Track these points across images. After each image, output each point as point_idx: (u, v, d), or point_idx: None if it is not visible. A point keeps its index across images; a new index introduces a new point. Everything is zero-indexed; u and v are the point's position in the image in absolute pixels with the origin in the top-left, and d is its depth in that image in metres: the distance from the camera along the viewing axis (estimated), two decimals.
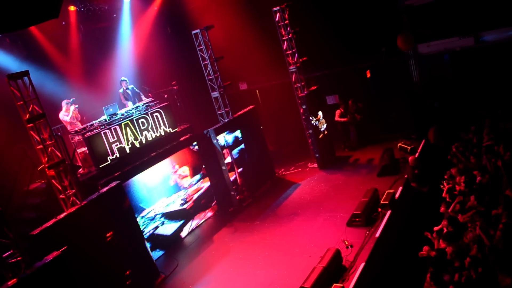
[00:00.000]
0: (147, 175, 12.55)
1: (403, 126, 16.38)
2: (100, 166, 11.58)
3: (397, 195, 11.73)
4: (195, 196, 13.99)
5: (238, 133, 14.79)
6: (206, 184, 14.37)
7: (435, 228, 9.72)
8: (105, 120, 12.23)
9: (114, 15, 16.21)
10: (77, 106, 12.42)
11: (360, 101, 16.84)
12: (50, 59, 14.23)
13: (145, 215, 12.39)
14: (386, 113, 17.07)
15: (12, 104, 9.22)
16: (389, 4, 15.83)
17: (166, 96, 14.95)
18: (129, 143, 12.32)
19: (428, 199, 11.63)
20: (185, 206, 13.61)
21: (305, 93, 15.48)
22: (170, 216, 13.16)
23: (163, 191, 13.04)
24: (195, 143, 13.98)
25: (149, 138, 12.85)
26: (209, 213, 14.36)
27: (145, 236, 12.04)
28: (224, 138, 14.16)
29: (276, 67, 17.06)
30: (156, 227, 12.69)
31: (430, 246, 9.16)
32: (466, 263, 7.79)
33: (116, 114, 12.48)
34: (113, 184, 10.72)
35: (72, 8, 14.43)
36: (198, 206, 14.05)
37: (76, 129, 11.99)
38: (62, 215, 9.38)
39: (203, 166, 14.26)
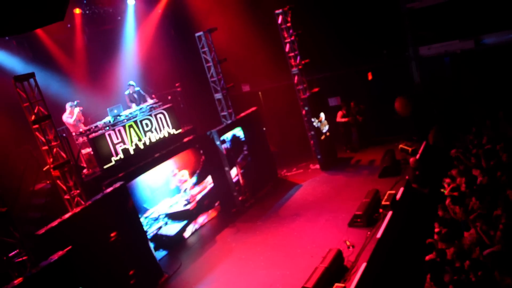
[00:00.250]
0: (151, 176, 12.62)
1: (404, 127, 16.42)
2: (104, 167, 11.69)
3: (398, 196, 11.73)
4: (198, 196, 14.05)
5: (239, 131, 14.87)
6: (209, 185, 14.45)
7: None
8: (110, 121, 12.33)
9: (119, 18, 16.34)
10: (81, 108, 12.53)
11: (362, 103, 16.90)
12: (55, 61, 14.36)
13: (149, 216, 12.47)
14: (387, 115, 17.11)
15: (18, 105, 9.34)
16: (390, 7, 15.90)
17: (169, 97, 15.08)
18: (133, 144, 12.43)
19: (429, 200, 11.66)
20: (188, 206, 13.68)
21: (307, 95, 15.56)
22: (173, 216, 13.22)
23: (166, 191, 13.11)
24: None
25: (153, 139, 12.95)
26: (212, 214, 14.44)
27: (149, 236, 12.11)
28: (227, 138, 14.26)
29: (278, 69, 17.14)
30: (160, 227, 12.76)
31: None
32: (466, 266, 7.84)
33: (120, 116, 12.59)
34: (117, 184, 10.82)
35: (77, 10, 14.56)
36: (201, 206, 14.11)
37: (81, 130, 12.10)
38: (67, 215, 9.49)
39: (199, 170, 14.29)
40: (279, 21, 15.13)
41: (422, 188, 12.46)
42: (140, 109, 13.18)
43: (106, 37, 16.20)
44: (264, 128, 16.37)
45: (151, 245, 11.86)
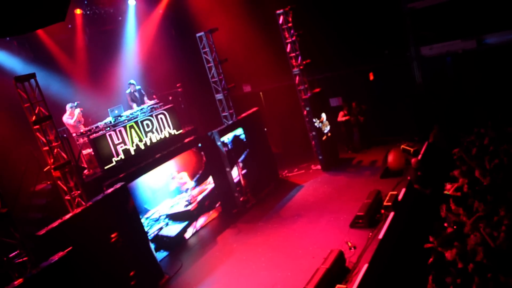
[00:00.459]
0: (152, 177, 12.61)
1: (406, 128, 16.39)
2: (105, 168, 11.68)
3: (400, 197, 11.72)
4: (199, 197, 14.04)
5: (240, 132, 14.86)
6: (210, 185, 14.43)
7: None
8: (110, 121, 12.33)
9: (120, 18, 16.34)
10: (81, 109, 12.50)
11: (363, 103, 16.87)
12: (56, 62, 14.35)
13: (150, 216, 12.46)
14: (389, 115, 17.09)
15: (19, 106, 9.33)
16: (392, 6, 15.87)
17: (170, 98, 15.05)
18: (134, 145, 12.41)
19: (431, 201, 11.63)
20: (189, 207, 13.67)
21: (308, 95, 15.54)
22: (174, 217, 13.21)
23: (167, 192, 13.10)
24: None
25: (154, 140, 12.93)
26: (213, 215, 14.42)
27: (150, 237, 12.10)
28: (228, 139, 14.25)
29: (279, 70, 17.12)
30: (161, 228, 12.75)
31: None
32: (470, 269, 7.80)
33: (121, 116, 12.58)
34: (118, 185, 10.81)
35: (78, 11, 14.57)
36: (202, 207, 14.10)
37: (81, 130, 12.08)
38: (68, 216, 9.47)
39: (200, 171, 14.27)
40: (280, 21, 15.11)
41: (424, 189, 12.43)
42: (141, 109, 13.18)
43: (107, 38, 16.20)
44: (265, 129, 16.35)
45: (152, 246, 11.84)
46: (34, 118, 9.26)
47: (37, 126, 9.35)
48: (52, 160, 9.53)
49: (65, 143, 10.21)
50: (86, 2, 14.82)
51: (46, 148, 9.48)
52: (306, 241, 11.64)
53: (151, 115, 13.00)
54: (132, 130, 12.41)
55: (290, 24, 15.12)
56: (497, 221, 8.74)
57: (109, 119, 12.38)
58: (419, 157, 13.43)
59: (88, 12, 15.02)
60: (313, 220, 12.65)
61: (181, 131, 13.83)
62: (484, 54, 14.96)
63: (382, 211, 11.59)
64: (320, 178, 15.52)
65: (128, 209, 10.96)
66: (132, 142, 12.37)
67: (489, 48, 14.83)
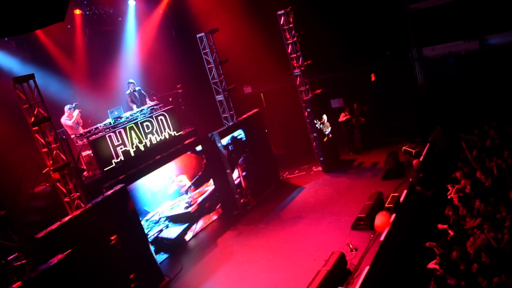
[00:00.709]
0: (152, 178, 12.55)
1: (407, 129, 16.32)
2: (105, 169, 11.61)
3: (401, 199, 11.68)
4: (200, 199, 13.98)
5: (241, 133, 14.81)
6: (210, 187, 14.36)
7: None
8: (110, 123, 12.27)
9: (119, 19, 16.31)
10: (80, 110, 12.43)
11: (365, 104, 16.82)
12: (55, 62, 14.30)
13: (150, 218, 12.39)
14: (390, 117, 17.03)
15: (17, 107, 9.26)
16: (394, 7, 15.82)
17: (170, 99, 15.00)
18: (134, 146, 12.35)
19: (433, 203, 11.56)
20: (189, 209, 13.61)
21: (309, 96, 15.48)
22: (174, 219, 13.15)
23: (167, 194, 13.04)
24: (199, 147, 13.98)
25: (154, 141, 12.87)
26: (213, 216, 14.36)
27: (150, 239, 12.03)
28: (228, 141, 14.18)
29: (280, 71, 17.08)
30: (161, 230, 12.69)
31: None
32: (474, 269, 7.75)
33: (121, 117, 12.52)
34: (118, 187, 10.73)
35: (77, 11, 14.52)
36: (203, 209, 14.04)
37: (81, 132, 12.02)
38: (67, 218, 9.39)
39: (200, 172, 14.19)
40: (281, 22, 15.06)
41: (426, 191, 12.35)
42: (141, 110, 13.11)
43: (106, 38, 16.18)
44: (266, 130, 16.28)
45: (152, 248, 11.76)
46: (33, 119, 9.19)
47: (36, 128, 9.28)
48: (51, 162, 9.46)
49: (64, 145, 10.17)
50: (85, 2, 14.77)
51: (45, 149, 9.40)
52: (307, 243, 11.57)
53: (151, 116, 12.94)
54: (132, 131, 12.34)
55: (291, 25, 15.08)
56: (500, 222, 8.68)
57: (109, 120, 12.32)
58: (421, 158, 13.37)
59: (87, 13, 14.98)
60: (314, 222, 12.58)
61: (181, 132, 13.78)
62: (487, 55, 14.90)
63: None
64: (321, 180, 15.45)
65: (128, 211, 10.88)
66: (132, 144, 12.31)
67: (492, 49, 14.76)
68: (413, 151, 14.53)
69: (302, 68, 15.48)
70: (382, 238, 10.30)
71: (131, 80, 13.74)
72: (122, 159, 12.00)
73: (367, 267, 9.33)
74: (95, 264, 9.61)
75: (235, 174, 14.36)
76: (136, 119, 12.68)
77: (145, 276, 10.91)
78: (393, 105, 16.94)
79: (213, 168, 14.35)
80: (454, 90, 16.06)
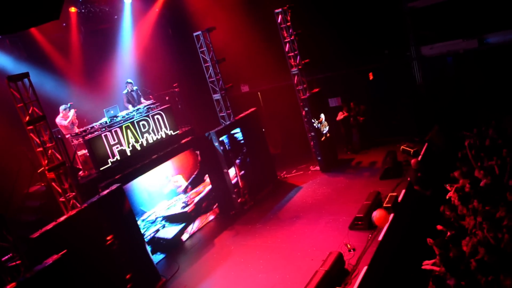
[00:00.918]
0: (148, 178, 12.47)
1: (406, 128, 16.30)
2: (101, 169, 11.53)
3: (400, 198, 11.69)
4: (196, 199, 13.91)
5: (238, 132, 14.75)
6: (207, 187, 14.29)
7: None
8: (106, 122, 12.21)
9: (115, 17, 16.24)
10: (75, 110, 12.34)
11: (363, 103, 16.77)
12: (50, 61, 14.23)
13: (146, 218, 12.33)
14: (389, 116, 17.01)
15: (12, 106, 9.17)
16: (392, 6, 15.81)
17: (167, 98, 14.94)
18: (130, 146, 12.26)
19: (431, 202, 11.54)
20: (186, 209, 13.54)
21: (307, 95, 15.41)
22: (171, 219, 13.09)
23: (164, 194, 12.96)
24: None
25: (150, 141, 12.79)
26: (210, 216, 14.29)
27: (146, 239, 11.95)
28: (225, 140, 14.12)
29: (278, 70, 17.03)
30: (157, 230, 12.62)
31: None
32: (472, 266, 7.73)
33: (117, 116, 12.45)
34: (114, 187, 10.65)
35: (73, 9, 14.44)
36: (199, 209, 13.98)
37: (76, 131, 11.93)
38: (62, 218, 9.30)
39: (197, 172, 14.11)
40: (279, 20, 15.00)
41: (424, 190, 12.35)
42: (137, 109, 13.04)
43: (102, 37, 16.11)
44: (264, 129, 16.21)
45: (148, 248, 11.69)
46: (27, 118, 9.13)
47: (30, 127, 9.22)
48: (46, 161, 9.40)
49: (60, 144, 10.10)
50: (81, 0, 14.66)
51: (40, 149, 9.35)
52: (304, 243, 11.52)
53: (148, 116, 12.86)
54: (128, 130, 12.26)
55: (288, 23, 15.01)
56: (498, 221, 8.66)
57: (105, 119, 12.26)
58: (419, 158, 13.36)
59: (83, 11, 14.91)
60: (312, 222, 12.53)
61: (178, 131, 13.70)
62: (486, 53, 14.93)
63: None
64: (319, 179, 15.40)
65: (124, 211, 10.80)
66: (128, 143, 12.22)
67: (490, 47, 14.78)
68: (411, 150, 14.52)
69: (300, 67, 15.42)
70: (380, 238, 10.30)
71: (129, 80, 13.67)
72: (118, 158, 11.91)
73: (365, 267, 9.39)
74: (91, 264, 9.53)
75: (232, 173, 14.29)
76: (132, 118, 12.60)
77: (141, 277, 10.84)
78: (391, 104, 16.93)
79: (210, 167, 14.28)
80: (452, 89, 16.06)
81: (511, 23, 14.04)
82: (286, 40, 15.19)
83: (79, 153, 11.87)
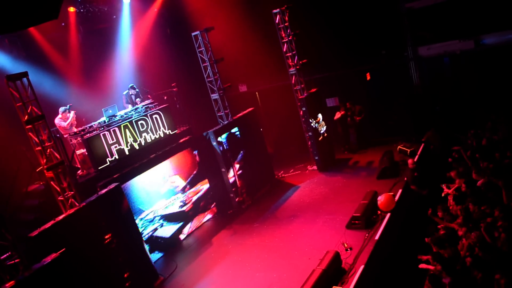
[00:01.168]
0: (146, 177, 12.50)
1: (403, 128, 16.34)
2: (99, 168, 11.55)
3: (396, 198, 11.69)
4: (194, 198, 13.94)
5: (236, 132, 14.78)
6: (205, 186, 14.32)
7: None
8: (104, 121, 12.21)
9: (114, 17, 16.22)
10: (75, 112, 12.36)
11: (360, 103, 16.79)
12: (49, 60, 14.20)
13: (144, 217, 12.35)
14: (386, 116, 17.05)
15: (10, 105, 9.18)
16: (389, 6, 15.83)
17: (165, 97, 14.93)
18: (128, 145, 12.29)
19: (428, 202, 11.58)
20: (184, 208, 13.57)
21: (305, 95, 15.45)
22: (169, 218, 13.11)
23: (162, 193, 12.99)
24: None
25: (148, 140, 12.82)
26: (208, 215, 14.32)
27: (144, 238, 12.00)
28: (223, 139, 14.16)
29: (276, 69, 17.06)
30: (155, 229, 12.65)
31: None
32: (468, 263, 7.78)
33: (115, 116, 12.47)
34: (112, 186, 10.68)
35: (71, 9, 14.43)
36: (197, 208, 14.01)
37: (75, 130, 11.95)
38: (61, 217, 9.33)
39: (195, 171, 14.14)
40: (277, 20, 15.03)
41: (421, 190, 12.39)
42: (136, 109, 13.06)
43: (101, 36, 16.07)
44: (261, 129, 16.24)
45: (147, 247, 11.74)
46: (26, 117, 9.12)
47: (29, 126, 9.21)
48: (45, 160, 9.40)
49: (58, 143, 10.10)
50: (79, 0, 14.66)
51: (39, 148, 9.34)
52: (302, 242, 11.56)
53: (146, 115, 12.88)
54: (127, 130, 12.28)
55: (286, 24, 15.05)
56: (494, 222, 8.71)
57: (103, 119, 12.26)
58: (416, 158, 13.40)
59: (81, 10, 14.89)
60: (309, 221, 12.57)
61: (176, 131, 13.72)
62: (482, 54, 14.96)
63: (379, 212, 11.56)
64: (316, 179, 15.44)
65: (122, 210, 10.84)
66: (127, 142, 12.25)
67: (487, 48, 14.82)
68: (408, 150, 14.55)
69: (298, 67, 15.45)
70: (377, 237, 10.33)
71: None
72: (117, 157, 11.94)
73: (362, 266, 9.40)
74: (89, 263, 9.56)
75: (230, 173, 14.32)
76: (131, 117, 12.62)
77: (139, 275, 10.87)
78: (388, 104, 16.96)
79: (208, 167, 14.30)
80: (449, 89, 16.10)
81: (507, 24, 14.09)
82: (284, 40, 15.22)
83: (78, 152, 11.87)
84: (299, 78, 15.56)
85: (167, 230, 12.99)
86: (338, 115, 16.78)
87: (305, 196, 14.30)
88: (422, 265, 8.93)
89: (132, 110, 12.95)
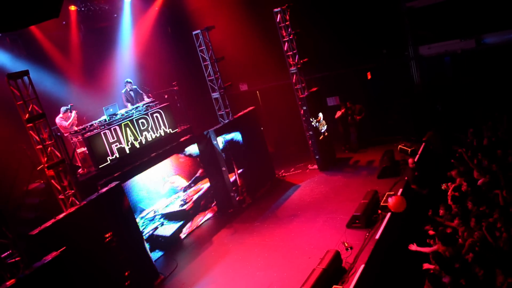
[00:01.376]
0: (147, 176, 12.50)
1: (403, 128, 16.33)
2: (100, 167, 11.55)
3: None
4: (195, 197, 13.94)
5: (236, 131, 14.78)
6: (205, 185, 14.33)
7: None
8: (105, 120, 12.21)
9: (115, 15, 16.24)
10: (76, 111, 12.36)
11: (361, 102, 16.77)
12: (50, 59, 14.23)
13: (145, 216, 12.35)
14: (386, 115, 17.04)
15: (11, 103, 9.17)
16: (390, 6, 15.82)
17: (166, 96, 14.94)
18: (129, 144, 12.29)
19: (428, 201, 11.58)
20: (184, 207, 13.57)
21: (305, 94, 15.44)
22: (169, 216, 13.11)
23: (162, 191, 13.00)
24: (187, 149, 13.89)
25: (149, 139, 12.82)
26: (208, 214, 14.32)
27: (145, 237, 11.98)
28: (224, 139, 14.15)
29: (276, 69, 17.06)
30: (156, 228, 12.64)
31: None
32: (470, 259, 7.79)
33: (116, 114, 12.46)
34: (113, 184, 10.68)
35: (72, 7, 14.45)
36: (198, 207, 14.00)
37: (76, 129, 11.96)
38: (61, 215, 9.33)
39: (195, 172, 14.14)
40: (278, 19, 15.01)
41: (421, 189, 12.38)
42: (136, 108, 13.06)
43: (101, 35, 16.10)
44: (262, 128, 16.23)
45: (147, 245, 11.72)
46: (27, 116, 9.12)
47: (30, 124, 9.20)
48: (45, 159, 9.39)
49: (59, 142, 10.10)
50: None
51: (40, 146, 9.34)
52: (302, 241, 11.56)
53: (147, 114, 12.88)
54: (127, 128, 12.28)
55: (287, 23, 15.03)
56: (494, 223, 8.71)
57: (104, 117, 12.26)
58: (417, 157, 13.39)
59: (82, 9, 14.90)
60: (309, 220, 12.57)
61: (176, 130, 13.72)
62: (483, 54, 14.93)
63: (379, 211, 11.59)
64: (316, 178, 15.44)
65: (123, 209, 10.84)
66: (127, 141, 12.25)
67: (488, 47, 14.80)
68: (409, 149, 14.54)
69: (298, 66, 15.44)
70: (377, 237, 10.32)
71: (128, 80, 13.70)
72: (117, 156, 11.94)
73: (362, 265, 9.38)
74: (90, 261, 9.57)
75: (231, 172, 14.32)
76: (131, 116, 12.62)
77: (140, 274, 10.88)
78: (389, 103, 16.95)
79: (209, 165, 14.30)
80: (450, 89, 16.08)
81: (509, 23, 14.07)
82: (285, 39, 15.20)
83: (78, 150, 11.89)
84: (300, 77, 15.55)
85: (167, 229, 12.99)
86: (338, 114, 16.78)
87: (306, 195, 14.30)
88: (426, 265, 8.93)
89: (133, 109, 12.95)
